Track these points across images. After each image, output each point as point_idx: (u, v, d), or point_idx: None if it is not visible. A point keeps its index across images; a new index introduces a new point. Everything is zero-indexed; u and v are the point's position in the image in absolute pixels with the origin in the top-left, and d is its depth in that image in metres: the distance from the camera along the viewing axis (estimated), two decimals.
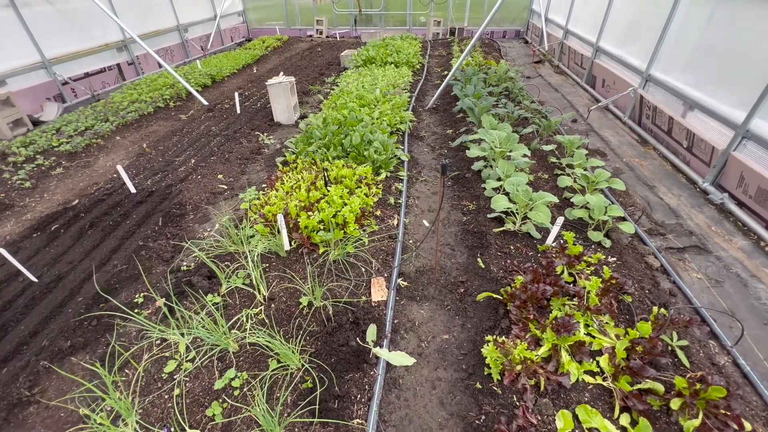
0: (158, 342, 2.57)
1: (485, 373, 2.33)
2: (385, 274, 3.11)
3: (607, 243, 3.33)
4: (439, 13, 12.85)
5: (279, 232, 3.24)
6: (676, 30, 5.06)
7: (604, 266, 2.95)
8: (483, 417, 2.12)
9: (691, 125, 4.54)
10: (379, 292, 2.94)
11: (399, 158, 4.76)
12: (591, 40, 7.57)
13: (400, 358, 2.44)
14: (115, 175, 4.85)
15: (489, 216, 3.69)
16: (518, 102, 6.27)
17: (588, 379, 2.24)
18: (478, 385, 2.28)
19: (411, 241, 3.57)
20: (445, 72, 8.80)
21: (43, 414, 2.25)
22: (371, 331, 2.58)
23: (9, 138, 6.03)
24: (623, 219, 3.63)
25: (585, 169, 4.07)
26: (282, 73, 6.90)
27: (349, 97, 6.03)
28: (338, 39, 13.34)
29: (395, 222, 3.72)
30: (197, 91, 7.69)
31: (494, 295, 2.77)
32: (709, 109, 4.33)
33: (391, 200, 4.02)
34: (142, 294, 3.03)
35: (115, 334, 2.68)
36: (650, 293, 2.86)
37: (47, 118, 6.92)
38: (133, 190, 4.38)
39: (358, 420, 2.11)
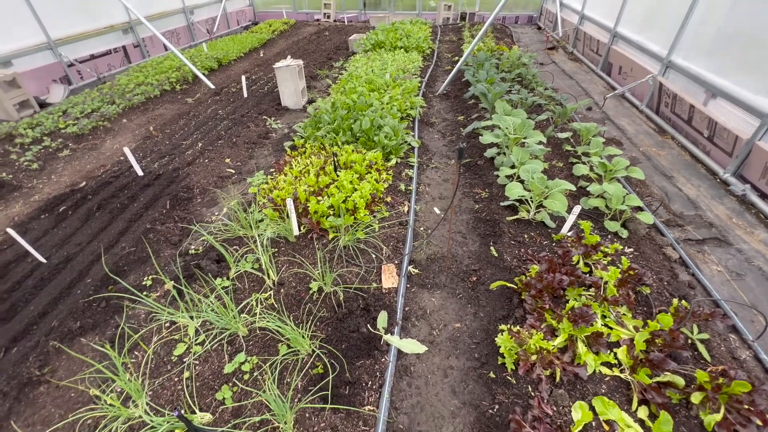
0: (167, 325, 2.55)
1: (499, 363, 2.28)
2: (396, 261, 3.05)
3: (624, 233, 3.24)
4: None
5: (288, 216, 3.18)
6: (700, 14, 4.84)
7: (622, 257, 2.87)
8: (497, 406, 2.08)
9: (713, 114, 4.37)
10: (389, 279, 2.89)
11: (409, 144, 4.65)
12: (608, 25, 7.32)
13: (412, 346, 2.40)
14: (122, 158, 4.80)
15: (502, 204, 3.60)
16: (532, 89, 6.10)
17: (605, 370, 2.19)
18: (492, 375, 2.23)
19: (422, 228, 3.50)
20: (456, 58, 8.58)
21: (54, 394, 2.24)
22: (382, 318, 2.54)
23: (16, 119, 5.99)
24: (640, 209, 3.53)
25: (602, 158, 3.95)
26: (289, 57, 6.75)
27: (359, 82, 5.90)
28: (346, 23, 13.06)
29: (406, 209, 3.65)
30: (204, 74, 7.57)
31: (508, 284, 2.71)
32: (734, 96, 4.16)
33: (402, 187, 3.94)
34: (150, 277, 3.00)
35: (124, 316, 2.66)
36: (669, 285, 2.77)
37: (53, 100, 6.87)
38: (140, 172, 4.33)
39: (369, 407, 2.08)
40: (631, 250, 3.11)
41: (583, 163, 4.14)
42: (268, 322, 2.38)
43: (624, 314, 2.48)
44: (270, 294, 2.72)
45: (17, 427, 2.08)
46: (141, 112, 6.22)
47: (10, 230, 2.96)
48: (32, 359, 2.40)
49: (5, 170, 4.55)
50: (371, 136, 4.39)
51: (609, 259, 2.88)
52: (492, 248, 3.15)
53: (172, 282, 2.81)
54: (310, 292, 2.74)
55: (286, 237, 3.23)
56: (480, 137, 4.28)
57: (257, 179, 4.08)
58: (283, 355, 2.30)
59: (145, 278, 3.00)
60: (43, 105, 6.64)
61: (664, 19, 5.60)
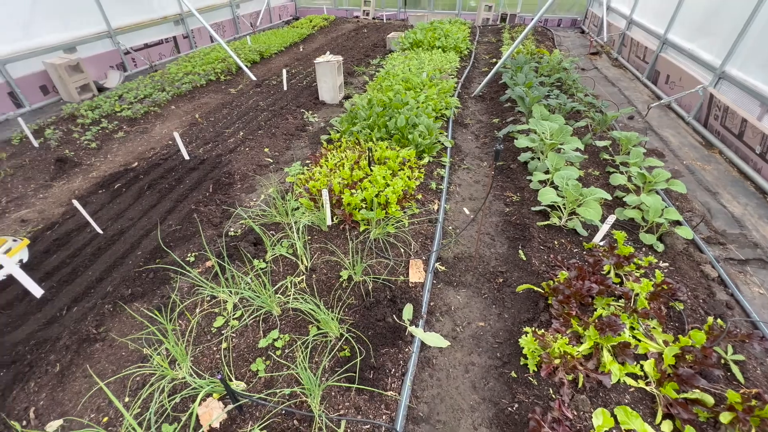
0: (208, 299, 2.74)
1: (521, 364, 2.32)
2: (423, 257, 3.13)
3: (660, 247, 3.16)
4: None
5: (323, 206, 3.32)
6: (763, 22, 4.58)
7: (656, 270, 2.81)
8: (516, 405, 2.12)
9: None
10: (416, 273, 2.97)
11: (443, 144, 4.70)
12: (658, 31, 7.02)
13: (435, 339, 2.48)
14: (170, 142, 5.12)
15: (533, 209, 3.59)
16: (571, 94, 5.97)
17: (630, 381, 2.18)
18: (513, 374, 2.27)
19: (450, 227, 3.55)
20: (494, 59, 8.49)
21: (107, 351, 2.48)
22: (408, 310, 2.62)
23: (77, 101, 6.50)
24: (679, 223, 3.42)
25: (641, 169, 3.84)
26: (328, 52, 6.93)
27: (395, 80, 5.98)
28: (384, 21, 13.16)
29: (436, 207, 3.71)
30: (246, 66, 7.88)
31: (535, 288, 2.72)
32: None
33: (433, 185, 4.00)
34: (193, 253, 3.22)
35: (176, 287, 2.88)
36: (704, 303, 2.70)
37: (110, 85, 7.37)
38: (186, 157, 4.62)
39: (392, 392, 2.18)
40: (666, 264, 3.03)
41: (621, 172, 4.04)
42: (300, 303, 2.52)
43: (654, 328, 2.44)
44: (303, 278, 2.87)
45: (77, 377, 2.32)
46: (188, 99, 6.58)
47: (75, 202, 3.27)
48: (90, 319, 2.65)
49: (68, 147, 4.97)
50: (405, 134, 4.47)
51: (642, 271, 2.83)
52: (520, 252, 3.16)
53: (216, 260, 3.01)
54: (340, 279, 2.86)
55: (320, 226, 3.38)
56: (515, 141, 4.26)
57: (294, 169, 4.25)
58: (313, 336, 2.43)
59: (189, 254, 3.22)
60: (101, 89, 7.15)
61: (720, 26, 5.33)
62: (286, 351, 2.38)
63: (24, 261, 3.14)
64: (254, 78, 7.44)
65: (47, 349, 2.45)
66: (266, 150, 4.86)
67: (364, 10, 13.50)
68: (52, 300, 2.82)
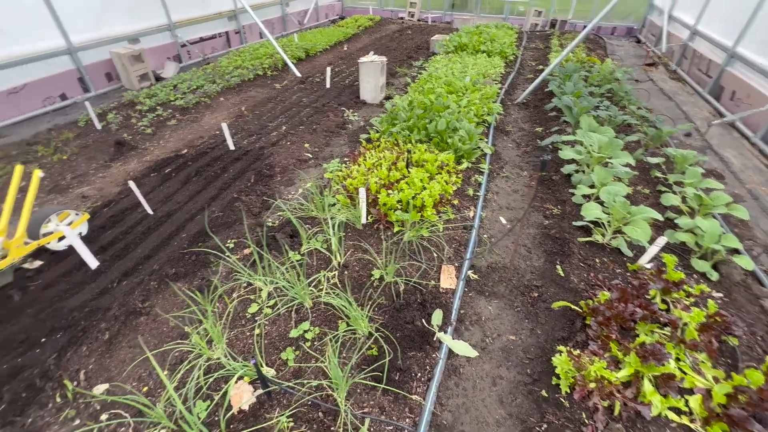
0: (245, 285, 2.85)
1: (552, 383, 2.23)
2: (456, 264, 3.09)
3: (714, 276, 2.94)
4: (541, 3, 11.97)
5: (359, 205, 3.36)
6: None
7: (708, 300, 2.62)
8: (545, 426, 2.05)
9: None
10: (448, 279, 2.93)
11: (482, 150, 4.61)
12: (726, 44, 6.52)
13: (463, 348, 2.44)
14: (217, 132, 5.37)
15: (574, 224, 3.45)
16: (623, 106, 5.68)
17: (672, 416, 2.04)
18: (544, 393, 2.19)
19: (485, 236, 3.48)
20: (540, 66, 8.24)
21: (151, 325, 2.64)
22: (437, 316, 2.60)
23: (137, 89, 6.95)
24: (737, 252, 3.16)
25: (698, 190, 3.59)
26: (372, 52, 6.99)
27: (437, 83, 5.94)
28: (429, 23, 13.11)
29: (471, 213, 3.65)
30: (292, 63, 8.12)
31: (572, 306, 2.61)
32: None
33: (470, 191, 3.94)
34: (233, 240, 3.36)
35: (217, 271, 3.02)
36: (763, 341, 2.48)
37: (166, 75, 7.83)
38: (232, 147, 4.82)
39: (417, 396, 2.17)
40: (720, 295, 2.82)
41: (674, 192, 3.80)
42: (332, 298, 2.56)
43: (702, 362, 2.28)
44: (335, 274, 2.92)
45: (122, 346, 2.49)
46: (236, 92, 6.87)
47: (131, 183, 3.50)
48: (137, 293, 2.83)
49: (127, 131, 5.33)
50: (445, 138, 4.43)
51: (692, 300, 2.65)
52: (558, 267, 3.04)
53: (256, 248, 3.12)
54: (372, 278, 2.88)
55: (354, 223, 3.42)
56: (558, 151, 4.11)
57: (332, 166, 4.33)
58: (342, 332, 2.47)
59: (229, 241, 3.36)
60: (158, 78, 7.61)
61: None
62: (316, 344, 2.42)
63: (83, 234, 3.39)
64: (299, 74, 7.65)
65: (98, 318, 2.64)
66: (306, 145, 4.99)
67: (409, 12, 13.52)
68: (105, 273, 3.04)
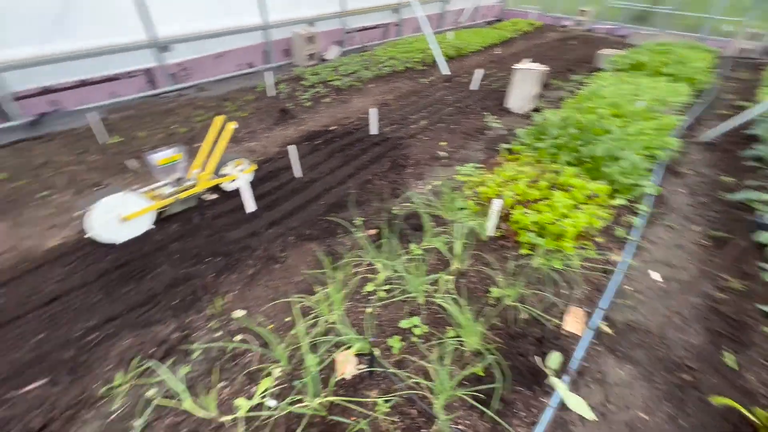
0: (366, 263, 3.01)
1: None
2: (587, 309, 2.72)
3: None
4: (760, 24, 9.56)
5: (489, 215, 3.21)
6: None
7: None
8: None
9: None
10: (574, 323, 2.60)
11: (645, 189, 3.94)
12: None
13: (580, 406, 2.14)
14: (362, 115, 5.76)
15: (761, 307, 2.70)
16: None
17: None
18: None
19: (629, 288, 2.98)
20: (741, 103, 6.62)
21: (282, 273, 2.99)
22: (554, 359, 2.33)
23: (304, 66, 7.92)
24: None
25: None
26: (529, 60, 6.56)
27: (600, 102, 5.27)
28: (599, 35, 11.73)
29: (616, 258, 3.16)
30: (443, 60, 8.19)
31: (743, 410, 2.05)
32: None
33: (619, 232, 3.41)
34: (361, 219, 3.57)
35: (343, 242, 3.27)
36: None
37: (329, 57, 8.72)
38: (374, 132, 5.12)
39: None
40: None
41: None
42: (447, 303, 2.51)
43: None
44: (452, 279, 2.86)
45: (260, 284, 2.88)
46: (384, 82, 7.26)
47: (291, 147, 4.00)
48: (278, 243, 3.25)
49: (291, 102, 6.13)
50: (600, 166, 3.91)
51: None
52: (726, 355, 2.42)
53: (386, 231, 3.27)
54: (489, 295, 2.74)
55: (479, 233, 3.29)
56: (754, 212, 3.25)
57: (465, 169, 4.24)
58: (449, 338, 2.41)
59: (357, 218, 3.59)
60: (322, 60, 8.54)
61: None
62: (422, 341, 2.42)
63: (250, 181, 4.03)
64: (447, 72, 7.68)
65: (247, 255, 3.11)
66: (442, 143, 4.99)
67: (577, 20, 12.32)
68: (257, 218, 3.56)
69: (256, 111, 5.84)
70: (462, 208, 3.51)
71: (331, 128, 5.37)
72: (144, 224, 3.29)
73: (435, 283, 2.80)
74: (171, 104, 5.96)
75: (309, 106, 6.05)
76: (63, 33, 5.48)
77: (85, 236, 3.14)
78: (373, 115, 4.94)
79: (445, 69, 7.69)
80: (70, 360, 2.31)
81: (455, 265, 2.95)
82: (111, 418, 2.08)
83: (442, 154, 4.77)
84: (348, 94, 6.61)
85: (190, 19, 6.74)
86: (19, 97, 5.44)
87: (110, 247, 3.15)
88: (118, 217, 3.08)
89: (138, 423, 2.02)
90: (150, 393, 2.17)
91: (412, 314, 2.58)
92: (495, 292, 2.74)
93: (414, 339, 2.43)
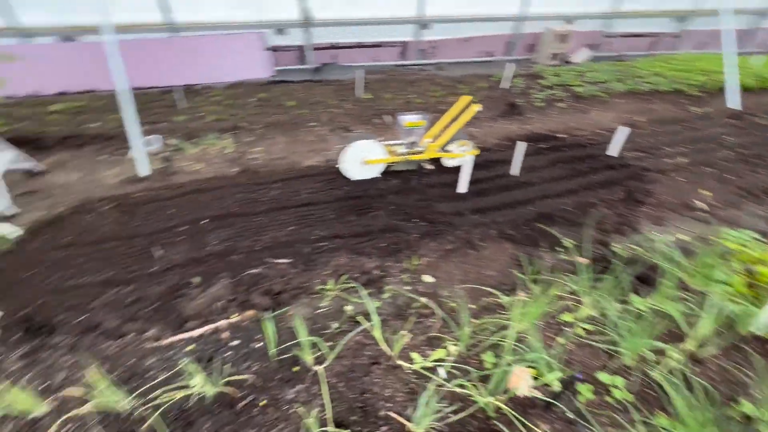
0: (570, 290, 2.68)
1: None
2: None
3: None
4: None
5: (765, 307, 2.33)
6: None
7: None
8: None
9: None
10: None
11: None
12: None
13: None
14: (599, 131, 5.05)
15: None
16: None
17: None
18: None
19: None
20: None
21: (477, 262, 2.97)
22: None
23: (546, 64, 7.45)
24: None
25: None
26: None
27: None
28: None
29: None
30: (737, 90, 6.29)
31: None
32: None
33: None
34: (570, 241, 3.19)
35: (543, 257, 3.03)
36: None
37: (576, 60, 7.93)
38: (614, 153, 4.42)
39: None
40: None
41: None
42: (668, 383, 2.00)
43: None
44: (682, 360, 2.25)
45: (450, 261, 2.96)
46: (638, 99, 6.13)
47: (520, 143, 3.86)
48: (478, 231, 3.24)
49: (522, 98, 5.91)
50: None
51: None
52: None
53: (588, 261, 2.85)
54: (734, 406, 2.03)
55: (740, 323, 2.45)
56: None
57: (738, 236, 3.19)
58: (662, 427, 1.92)
59: (566, 239, 3.22)
60: (566, 62, 7.85)
61: None
62: (620, 409, 2.02)
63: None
64: (735, 107, 5.88)
65: (449, 230, 3.23)
66: (705, 192, 3.89)
67: None
68: (464, 200, 3.64)
69: (485, 99, 5.89)
70: (722, 282, 2.68)
71: (559, 135, 4.93)
72: (375, 171, 3.83)
73: (656, 352, 2.26)
74: (414, 76, 6.63)
75: (540, 106, 5.70)
76: (356, 4, 6.75)
77: (334, 166, 3.88)
78: (622, 134, 4.23)
79: (734, 102, 5.88)
80: (306, 255, 2.95)
81: (690, 346, 2.30)
82: (317, 311, 2.56)
83: (699, 204, 3.73)
84: (588, 103, 5.90)
85: (457, 4, 7.20)
86: (315, 48, 7.07)
87: (347, 181, 3.81)
88: (363, 159, 3.66)
89: (335, 325, 2.42)
90: (348, 308, 2.56)
91: (614, 372, 2.17)
92: (746, 407, 2.01)
93: (608, 399, 2.05)
